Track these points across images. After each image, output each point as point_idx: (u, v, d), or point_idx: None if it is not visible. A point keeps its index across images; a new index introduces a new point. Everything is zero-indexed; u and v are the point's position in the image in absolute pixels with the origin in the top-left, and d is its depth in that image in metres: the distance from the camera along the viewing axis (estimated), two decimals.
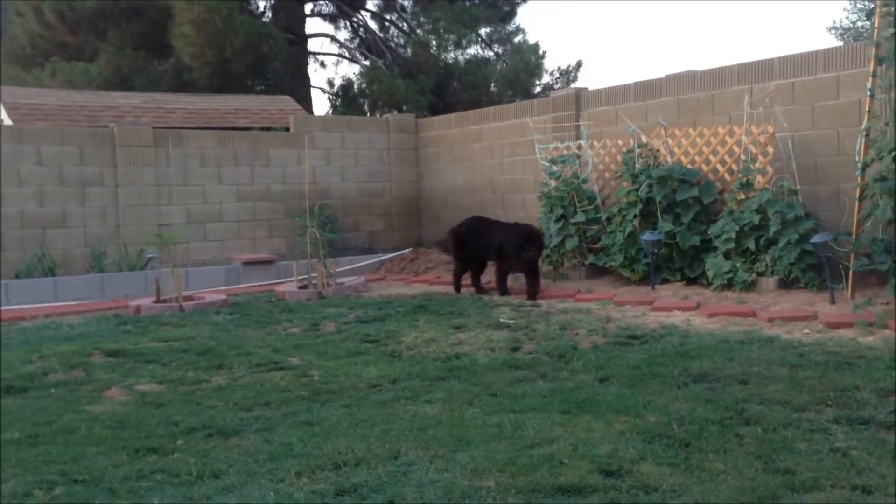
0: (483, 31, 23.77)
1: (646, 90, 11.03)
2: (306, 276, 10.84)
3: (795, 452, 3.87)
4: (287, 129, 14.41)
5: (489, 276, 10.49)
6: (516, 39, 24.36)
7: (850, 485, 3.43)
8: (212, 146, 13.08)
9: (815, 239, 7.89)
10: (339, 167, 14.38)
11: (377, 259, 13.45)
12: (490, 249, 10.05)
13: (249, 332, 7.91)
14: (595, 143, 11.12)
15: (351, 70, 32.53)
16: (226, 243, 13.14)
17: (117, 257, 11.74)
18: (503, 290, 9.92)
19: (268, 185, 13.58)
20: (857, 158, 7.92)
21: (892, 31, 7.53)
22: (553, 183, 11.05)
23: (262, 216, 13.53)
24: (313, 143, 14.01)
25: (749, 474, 3.61)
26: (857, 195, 7.88)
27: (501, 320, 7.93)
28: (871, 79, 7.79)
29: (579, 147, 11.24)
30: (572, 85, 20.85)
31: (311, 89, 22.76)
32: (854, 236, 7.88)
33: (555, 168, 11.09)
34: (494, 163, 13.65)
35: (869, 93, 7.82)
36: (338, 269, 11.23)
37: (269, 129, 14.94)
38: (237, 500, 3.58)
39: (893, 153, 7.29)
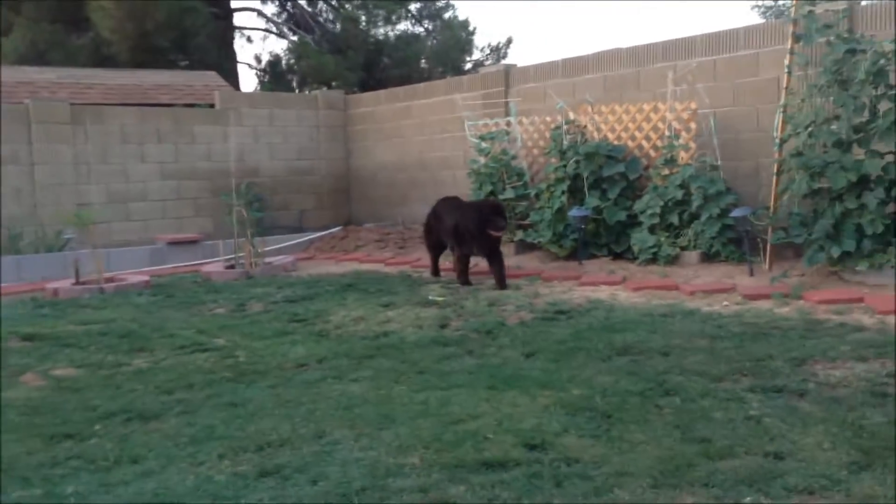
0: (413, 6, 23.62)
1: (573, 67, 11.10)
2: (233, 256, 10.66)
3: (712, 421, 3.97)
4: (212, 106, 14.09)
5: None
6: (446, 15, 24.28)
7: (763, 451, 3.54)
8: (133, 123, 12.71)
9: (735, 213, 8.09)
10: (267, 145, 14.15)
11: (306, 238, 13.30)
12: (447, 233, 9.15)
13: (173, 314, 7.74)
14: (524, 119, 11.16)
15: (279, 45, 32.01)
16: (150, 223, 12.82)
17: (34, 238, 11.35)
18: (463, 279, 8.83)
19: (193, 164, 13.28)
20: (775, 134, 8.12)
21: (808, 8, 7.72)
22: (483, 160, 11.07)
23: (188, 195, 13.24)
24: (240, 119, 13.74)
25: (667, 444, 3.69)
26: (775, 170, 8.09)
27: (430, 298, 7.94)
28: (788, 56, 7.98)
29: (508, 124, 11.27)
30: (503, 61, 20.88)
31: (238, 65, 22.33)
32: (772, 210, 8.10)
33: (484, 145, 11.11)
34: (424, 140, 13.60)
35: (787, 70, 8.02)
36: (266, 249, 11.06)
37: (193, 105, 14.58)
38: (156, 484, 3.51)
39: (809, 129, 7.50)
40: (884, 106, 7.20)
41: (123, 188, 12.59)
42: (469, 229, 8.68)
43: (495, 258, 8.61)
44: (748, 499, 3.10)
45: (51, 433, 4.28)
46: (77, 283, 9.33)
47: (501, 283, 8.40)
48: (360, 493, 3.33)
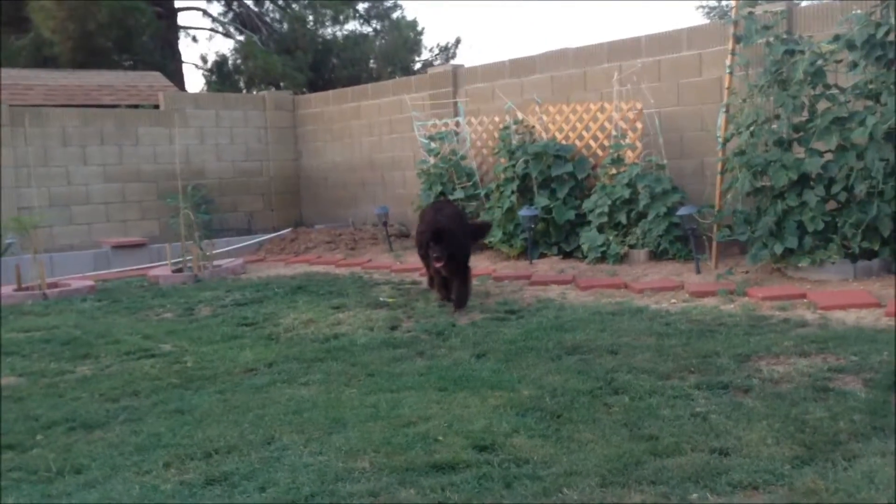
0: (361, 6, 23.55)
1: (521, 67, 11.16)
2: (181, 260, 10.50)
3: (659, 419, 4.01)
4: (157, 107, 13.86)
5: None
6: (394, 15, 24.24)
7: (709, 448, 3.59)
8: (75, 125, 12.45)
9: (681, 212, 8.20)
10: (214, 146, 13.97)
11: (256, 240, 13.17)
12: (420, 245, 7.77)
13: (119, 319, 7.60)
14: (473, 119, 11.19)
15: (225, 45, 31.66)
16: (94, 226, 12.56)
17: None
18: (439, 294, 7.68)
19: (138, 166, 13.05)
20: (718, 133, 8.26)
21: (748, 10, 7.86)
22: (432, 160, 11.08)
23: (133, 198, 13.00)
24: (185, 121, 13.53)
25: (616, 442, 3.73)
26: (719, 169, 8.23)
27: (381, 299, 7.91)
28: (730, 56, 8.12)
29: (457, 124, 11.29)
30: (451, 62, 20.92)
31: (183, 65, 22.02)
32: (717, 208, 8.24)
33: (433, 145, 11.12)
34: (374, 140, 13.56)
35: (728, 70, 8.16)
36: (215, 252, 10.91)
37: (137, 106, 14.33)
38: (100, 495, 3.43)
39: (751, 128, 7.64)
40: (822, 105, 7.37)
41: (66, 191, 12.31)
42: (419, 246, 7.75)
43: (456, 275, 7.37)
44: (694, 495, 3.15)
45: None
46: (19, 289, 9.10)
47: (456, 304, 7.25)
48: (310, 499, 3.30)
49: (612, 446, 3.68)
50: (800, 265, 7.29)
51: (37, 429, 4.44)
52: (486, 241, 10.32)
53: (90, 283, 9.65)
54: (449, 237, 7.29)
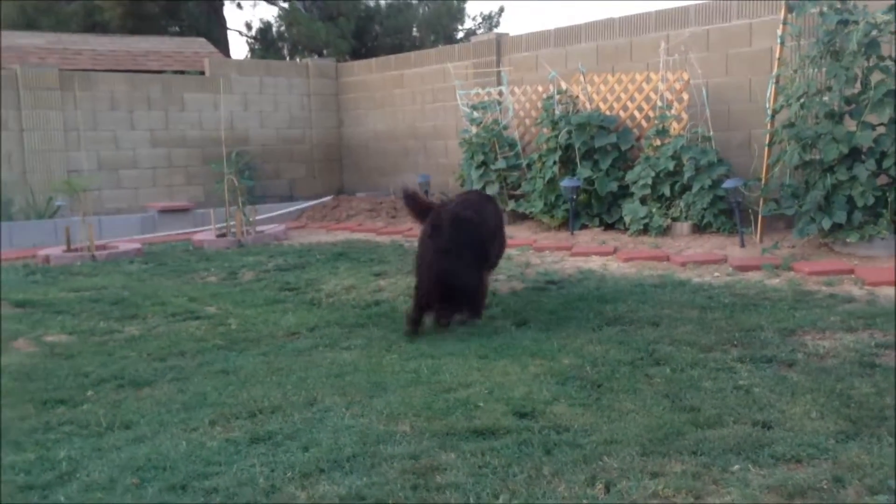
0: None
1: (566, 36, 11.03)
2: (224, 225, 10.63)
3: (701, 391, 4.00)
4: (202, 73, 13.96)
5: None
6: None
7: (752, 420, 3.57)
8: (123, 89, 12.60)
9: (727, 184, 8.09)
10: (258, 113, 14.05)
11: (298, 207, 13.26)
12: None
13: (165, 282, 7.74)
14: (516, 89, 11.11)
15: (269, 12, 31.68)
16: (140, 191, 12.75)
17: (24, 205, 11.29)
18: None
19: (183, 131, 13.18)
20: (767, 105, 8.10)
21: None
22: (474, 129, 11.03)
23: (179, 163, 13.16)
24: (230, 87, 13.62)
25: (657, 412, 3.72)
26: (767, 141, 8.08)
27: None
28: (781, 26, 7.94)
29: (500, 93, 11.21)
30: (494, 30, 20.72)
31: (228, 32, 22.09)
32: (763, 181, 8.10)
33: (476, 114, 11.06)
34: (416, 109, 13.53)
35: (779, 40, 7.98)
36: (257, 217, 11.03)
37: (182, 72, 14.45)
38: (148, 450, 3.52)
39: (801, 100, 7.48)
40: (875, 77, 7.18)
41: (113, 155, 12.50)
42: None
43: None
44: (736, 466, 3.14)
45: (43, 399, 4.30)
46: (68, 250, 9.30)
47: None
48: (351, 459, 3.35)
49: (652, 416, 3.68)
50: (848, 240, 7.15)
51: (87, 385, 4.56)
52: (527, 212, 10.29)
53: (137, 245, 9.82)
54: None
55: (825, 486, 2.92)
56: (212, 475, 3.26)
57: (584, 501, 2.91)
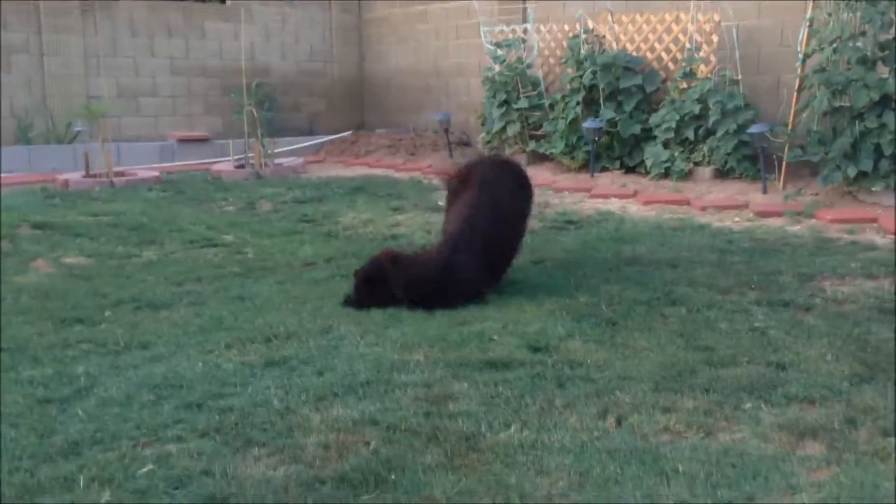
0: None
1: None
2: (243, 156, 10.61)
3: (716, 331, 3.98)
4: (223, 1, 13.77)
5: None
6: None
7: (766, 361, 3.56)
8: (143, 16, 12.45)
9: (752, 129, 7.96)
10: (279, 45, 13.88)
11: (317, 141, 13.20)
12: None
13: (183, 210, 7.75)
14: (541, 27, 10.90)
15: None
16: (160, 119, 12.70)
17: (44, 130, 11.28)
18: None
19: (204, 60, 13.07)
20: (799, 49, 7.92)
21: None
22: (497, 67, 10.86)
23: (198, 92, 13.07)
24: (251, 17, 13.42)
25: (670, 351, 3.72)
26: (797, 87, 7.92)
27: (440, 203, 7.89)
28: None
29: (525, 31, 11.01)
30: None
31: None
32: (790, 127, 7.97)
33: (500, 52, 10.87)
34: (439, 46, 13.33)
35: None
36: (276, 150, 11.00)
37: (203, 0, 14.25)
38: (165, 369, 3.56)
39: (834, 45, 7.30)
40: None
41: (133, 82, 12.42)
42: None
43: None
44: (748, 405, 3.14)
45: (62, 317, 4.34)
46: (87, 175, 9.32)
47: None
48: (365, 386, 3.38)
49: (666, 355, 3.67)
50: (873, 189, 7.05)
51: (105, 306, 4.60)
52: (548, 152, 10.19)
53: (156, 173, 9.83)
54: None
55: (837, 427, 2.92)
56: (227, 395, 3.29)
57: (595, 433, 2.93)
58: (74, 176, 9.32)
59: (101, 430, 2.98)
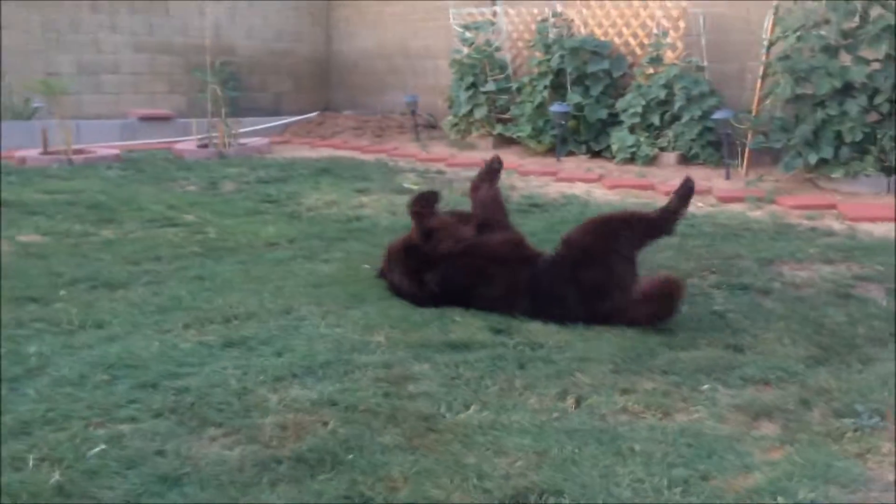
0: None
1: None
2: (207, 135, 10.46)
3: (676, 314, 4.00)
4: None
5: None
6: None
7: (724, 344, 3.59)
8: None
9: (717, 115, 8.02)
10: (245, 23, 13.68)
11: (282, 122, 13.06)
12: None
13: (143, 189, 7.63)
14: (510, 10, 10.86)
15: None
16: (121, 97, 12.47)
17: (1, 106, 11.01)
18: None
19: (167, 37, 12.83)
20: (764, 36, 7.98)
21: None
22: (466, 50, 10.82)
23: (161, 70, 12.84)
24: None
25: (630, 333, 3.73)
26: (761, 73, 7.99)
27: (405, 185, 7.87)
28: None
29: (494, 14, 10.96)
30: None
31: None
32: (754, 114, 8.04)
33: (468, 34, 10.83)
34: (407, 27, 13.23)
35: None
36: (241, 130, 10.85)
37: None
38: (120, 349, 3.50)
39: (798, 33, 7.36)
40: (875, 12, 7.07)
41: (95, 59, 12.18)
42: None
43: None
44: (705, 386, 3.16)
45: (15, 296, 4.24)
46: (45, 152, 9.13)
47: None
48: (325, 366, 3.35)
49: (626, 337, 3.69)
50: (833, 176, 7.14)
51: (60, 285, 4.50)
52: (515, 136, 10.19)
53: (116, 151, 9.66)
54: None
55: (791, 408, 2.95)
56: (183, 375, 3.24)
57: (555, 414, 2.93)
58: (32, 153, 9.12)
59: (53, 409, 2.92)
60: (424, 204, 4.41)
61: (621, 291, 3.82)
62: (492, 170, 4.60)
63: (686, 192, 3.94)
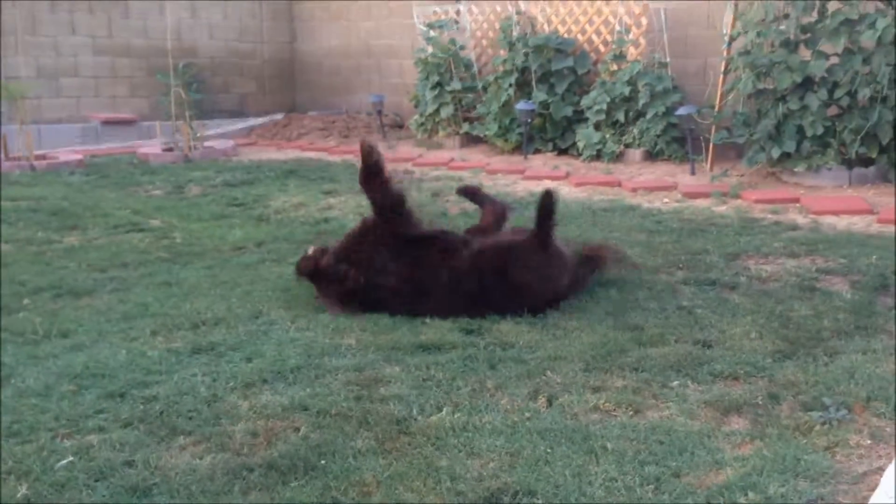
0: None
1: None
2: (171, 139, 10.34)
3: (645, 311, 4.03)
4: None
5: None
6: None
7: (693, 339, 3.62)
8: None
9: (680, 111, 8.10)
10: (207, 23, 13.54)
11: (248, 124, 12.96)
12: None
13: (107, 194, 7.53)
14: (474, 7, 10.87)
15: None
16: (82, 100, 12.28)
17: None
18: None
19: (128, 39, 12.67)
20: (724, 32, 8.06)
21: None
22: (430, 49, 10.81)
23: (123, 73, 12.67)
24: None
25: (600, 331, 3.75)
26: (722, 69, 8.07)
27: None
28: None
29: (458, 12, 10.97)
30: None
31: None
32: (716, 109, 8.12)
33: (432, 33, 10.82)
34: (371, 25, 13.19)
35: None
36: (206, 133, 10.76)
37: None
38: (87, 358, 3.45)
39: (758, 27, 7.44)
40: (832, 6, 7.16)
41: (54, 62, 11.98)
42: None
43: None
44: (675, 382, 3.19)
45: None
46: (6, 159, 8.97)
47: None
48: (295, 371, 3.33)
49: (596, 335, 3.71)
50: (795, 170, 7.24)
51: (23, 293, 4.44)
52: (481, 135, 10.20)
53: (79, 156, 9.52)
54: None
55: (760, 403, 2.99)
56: (152, 384, 3.21)
57: (527, 414, 2.94)
58: None
59: (19, 421, 2.88)
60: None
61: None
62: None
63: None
